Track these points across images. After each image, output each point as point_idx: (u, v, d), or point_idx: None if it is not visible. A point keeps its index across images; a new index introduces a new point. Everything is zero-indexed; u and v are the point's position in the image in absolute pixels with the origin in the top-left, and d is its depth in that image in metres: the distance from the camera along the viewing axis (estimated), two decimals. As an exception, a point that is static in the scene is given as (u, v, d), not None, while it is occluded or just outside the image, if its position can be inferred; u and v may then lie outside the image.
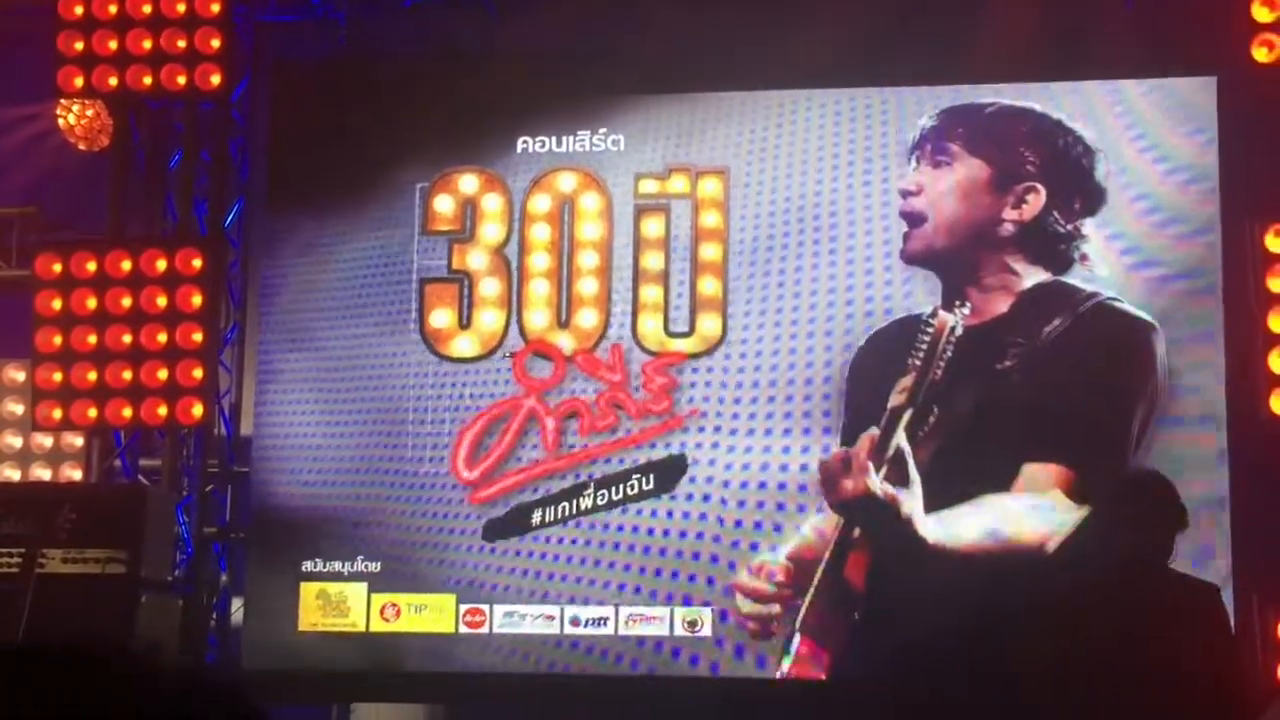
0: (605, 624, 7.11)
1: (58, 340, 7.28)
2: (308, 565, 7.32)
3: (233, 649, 7.48)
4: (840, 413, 6.98)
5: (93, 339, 7.27)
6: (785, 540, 6.95)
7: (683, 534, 7.09)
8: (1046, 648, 6.32)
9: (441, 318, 7.42)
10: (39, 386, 7.29)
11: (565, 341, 7.32)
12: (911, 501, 6.63)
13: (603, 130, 7.40)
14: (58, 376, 7.26)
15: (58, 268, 7.33)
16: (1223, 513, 6.71)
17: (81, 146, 7.89)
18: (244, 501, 7.63)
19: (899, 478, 6.65)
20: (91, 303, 7.30)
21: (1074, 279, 6.91)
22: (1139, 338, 6.81)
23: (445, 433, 7.33)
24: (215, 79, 7.45)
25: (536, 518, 7.22)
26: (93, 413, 7.26)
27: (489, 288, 7.41)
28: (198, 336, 7.28)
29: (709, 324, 7.23)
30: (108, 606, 6.37)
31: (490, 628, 7.18)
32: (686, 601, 7.06)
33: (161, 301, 7.28)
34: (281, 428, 7.46)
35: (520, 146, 7.45)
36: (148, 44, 7.42)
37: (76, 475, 7.69)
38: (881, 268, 7.05)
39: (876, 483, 6.64)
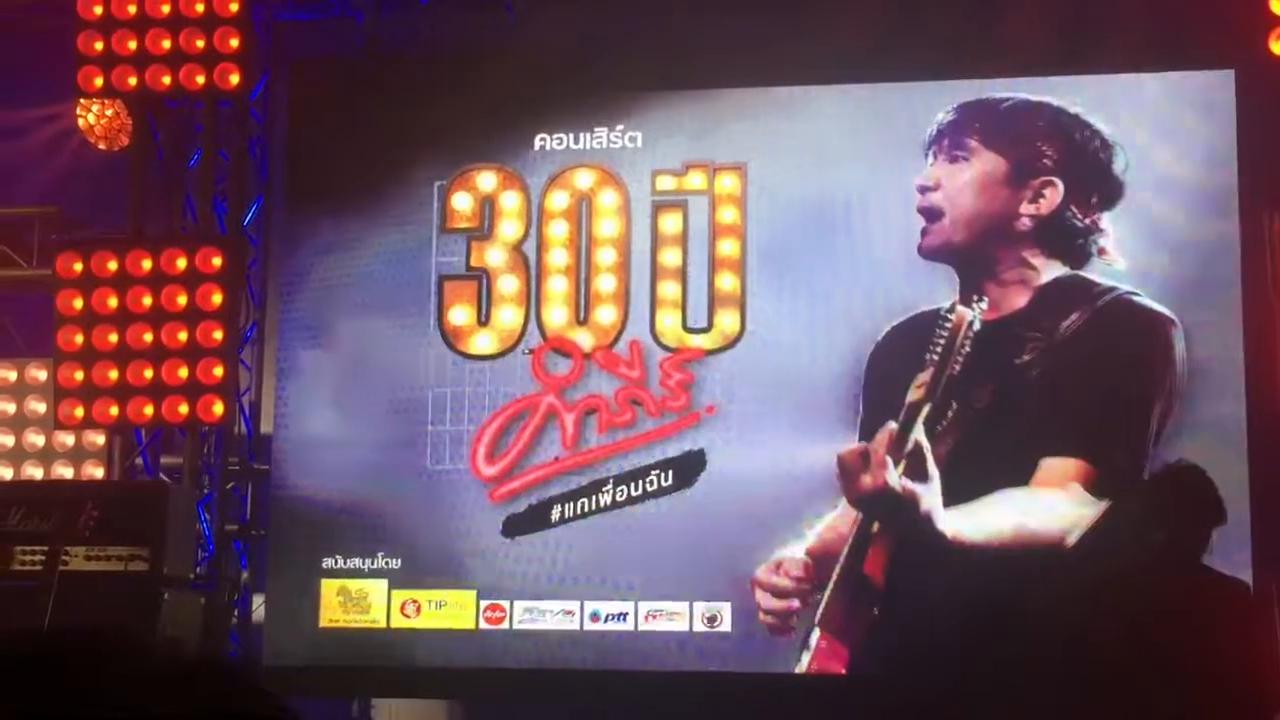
0: (625, 619, 7.13)
1: (79, 339, 7.32)
2: (328, 562, 7.35)
3: (254, 646, 7.51)
4: (858, 408, 6.98)
5: (114, 338, 7.31)
6: (804, 536, 6.95)
7: (702, 530, 7.10)
8: (1067, 641, 6.32)
9: (460, 315, 7.44)
10: (61, 385, 7.33)
11: (584, 338, 7.33)
12: (930, 496, 6.64)
13: (620, 127, 7.41)
14: (79, 375, 7.30)
15: (79, 267, 7.36)
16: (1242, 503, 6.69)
17: (101, 146, 7.93)
18: (264, 499, 7.67)
19: (917, 473, 6.65)
20: (112, 301, 7.33)
21: (1092, 273, 6.90)
22: (1157, 331, 6.80)
23: (465, 430, 7.35)
24: (234, 78, 7.48)
25: (556, 514, 7.24)
26: (114, 411, 7.30)
27: (507, 285, 7.43)
28: (218, 335, 7.31)
29: (727, 320, 7.24)
30: (130, 604, 6.40)
31: (510, 623, 7.20)
32: (705, 597, 7.07)
33: (182, 300, 7.31)
34: (301, 425, 7.49)
35: (538, 144, 7.47)
36: (167, 44, 7.45)
37: (98, 473, 7.73)
38: (899, 263, 7.05)
39: (895, 478, 6.65)
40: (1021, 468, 6.71)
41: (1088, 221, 6.92)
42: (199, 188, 7.77)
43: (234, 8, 7.47)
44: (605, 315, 7.34)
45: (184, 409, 7.28)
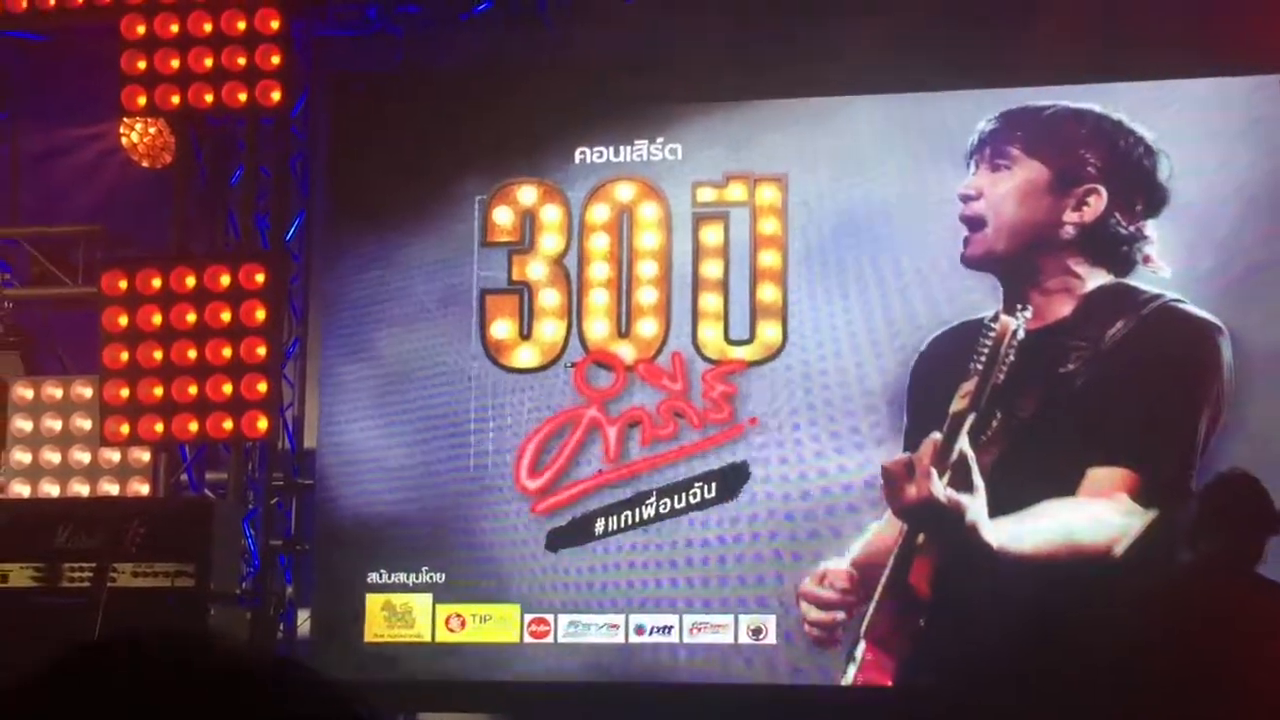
0: (670, 632, 7.11)
1: (124, 356, 7.36)
2: (373, 577, 7.37)
3: (300, 661, 7.52)
4: (902, 418, 6.95)
5: (158, 354, 7.35)
6: (849, 547, 6.93)
7: (746, 541, 7.08)
8: (1115, 653, 6.27)
9: (502, 329, 7.45)
10: (106, 402, 7.38)
11: (626, 351, 7.33)
12: (975, 507, 6.60)
13: (660, 139, 7.41)
14: (125, 392, 7.34)
15: (123, 284, 7.41)
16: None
17: (145, 164, 7.98)
18: (309, 514, 7.69)
19: (962, 483, 6.62)
20: (157, 319, 7.37)
21: (1137, 281, 6.86)
22: (1204, 339, 6.74)
23: (507, 444, 7.36)
24: (275, 95, 7.51)
25: (599, 527, 7.23)
26: (159, 428, 7.34)
27: (549, 298, 7.44)
28: (261, 350, 7.34)
29: (769, 331, 7.22)
30: (177, 620, 6.43)
31: (555, 637, 7.20)
32: (750, 609, 7.05)
33: (225, 316, 7.34)
34: (345, 440, 7.51)
35: (578, 157, 7.47)
36: (209, 62, 7.49)
37: (144, 490, 7.76)
38: (942, 272, 7.02)
39: (940, 488, 6.62)
40: (1067, 477, 6.66)
41: (1132, 229, 6.87)
42: (241, 204, 7.82)
43: (275, 25, 7.50)
44: (647, 328, 7.33)
45: (228, 425, 7.31)
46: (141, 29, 7.52)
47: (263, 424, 7.34)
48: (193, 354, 7.34)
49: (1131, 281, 6.86)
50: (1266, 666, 5.23)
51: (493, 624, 7.26)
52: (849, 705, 6.94)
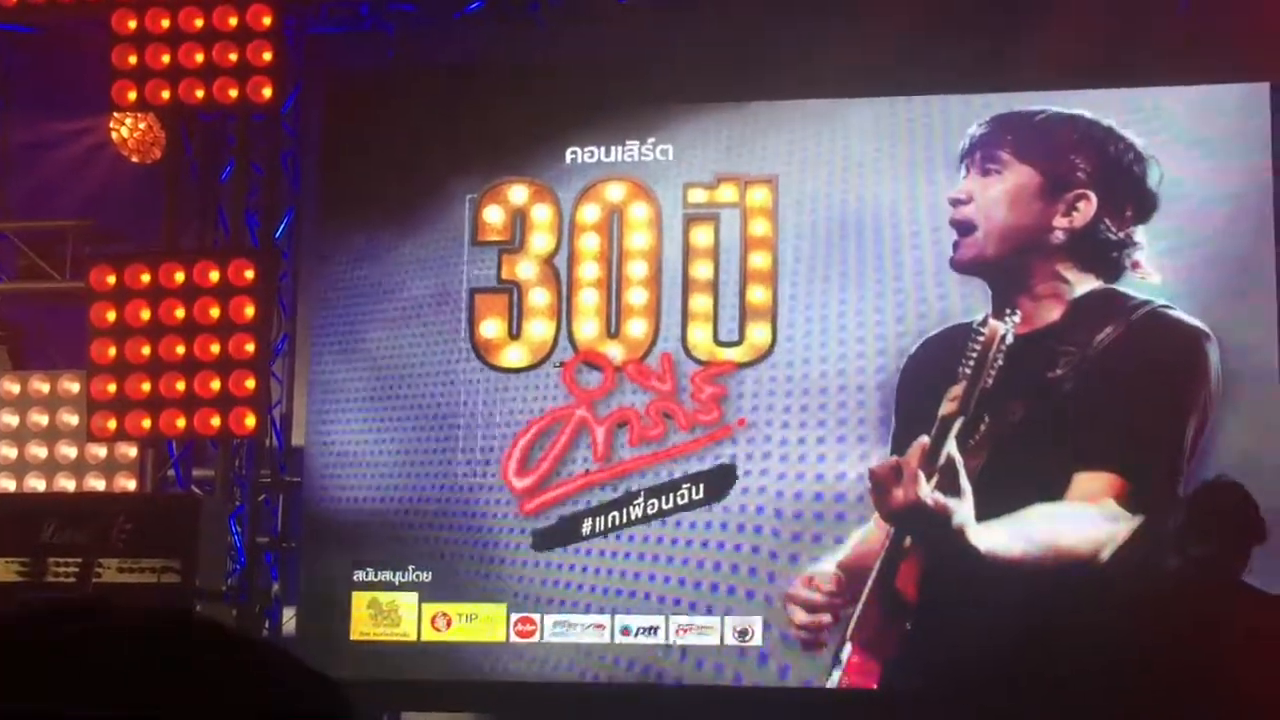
0: (656, 633, 7.11)
1: (112, 352, 7.35)
2: (359, 575, 7.36)
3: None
4: (890, 421, 6.96)
5: (146, 350, 7.33)
6: (836, 550, 6.93)
7: (734, 544, 7.08)
8: (1101, 657, 6.28)
9: (491, 328, 7.44)
10: (94, 398, 7.36)
11: (615, 351, 7.33)
12: (963, 510, 6.61)
13: (651, 140, 7.41)
14: (112, 388, 7.32)
15: (112, 280, 7.39)
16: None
17: (134, 159, 7.96)
18: (295, 511, 7.68)
19: (950, 487, 6.63)
20: (145, 314, 7.35)
21: (1126, 286, 6.87)
22: (1192, 345, 6.76)
23: (496, 443, 7.35)
24: (266, 91, 7.50)
25: (587, 527, 7.23)
26: (147, 423, 7.32)
27: (538, 298, 7.43)
28: (250, 347, 7.33)
29: (759, 333, 7.22)
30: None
31: (541, 637, 7.20)
32: (737, 611, 7.05)
33: (214, 312, 7.33)
34: (333, 438, 7.50)
35: (569, 157, 7.47)
36: (200, 57, 7.48)
37: (131, 485, 7.74)
38: (931, 276, 7.03)
39: (927, 492, 6.63)
40: (1055, 482, 6.68)
41: (1121, 235, 6.88)
42: (231, 200, 7.80)
43: (267, 21, 7.49)
44: (636, 328, 7.33)
45: (216, 421, 7.30)
46: (133, 23, 7.51)
47: (250, 421, 7.33)
48: (181, 350, 7.33)
49: (1120, 287, 6.88)
50: (1251, 673, 5.25)
51: (479, 623, 7.26)
52: (834, 708, 6.94)
